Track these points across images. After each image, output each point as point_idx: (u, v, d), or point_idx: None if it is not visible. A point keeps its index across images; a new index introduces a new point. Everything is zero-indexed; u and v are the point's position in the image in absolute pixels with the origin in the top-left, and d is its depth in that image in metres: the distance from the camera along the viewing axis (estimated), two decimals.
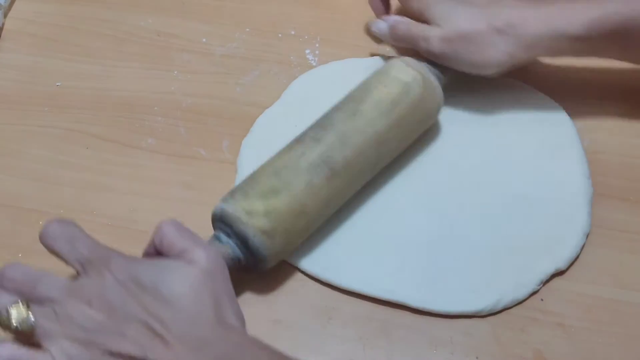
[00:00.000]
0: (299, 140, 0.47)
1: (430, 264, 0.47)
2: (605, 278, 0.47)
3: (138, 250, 0.48)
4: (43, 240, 0.40)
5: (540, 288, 0.46)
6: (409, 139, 0.51)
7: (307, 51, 0.60)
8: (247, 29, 0.62)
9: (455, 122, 0.54)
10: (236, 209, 0.43)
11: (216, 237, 0.44)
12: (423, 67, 0.51)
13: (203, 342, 0.36)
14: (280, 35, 0.62)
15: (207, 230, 0.49)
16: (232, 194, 0.45)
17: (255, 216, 0.43)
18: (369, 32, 0.60)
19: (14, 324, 0.36)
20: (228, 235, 0.44)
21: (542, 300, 0.46)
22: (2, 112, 0.57)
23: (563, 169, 0.51)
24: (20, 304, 0.37)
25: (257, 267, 0.44)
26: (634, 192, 0.51)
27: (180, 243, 0.40)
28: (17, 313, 0.36)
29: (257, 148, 0.53)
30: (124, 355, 0.36)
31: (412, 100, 0.49)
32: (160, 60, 0.60)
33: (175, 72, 0.59)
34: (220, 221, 0.44)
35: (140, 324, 0.36)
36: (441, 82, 0.51)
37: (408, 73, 0.49)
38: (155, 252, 0.41)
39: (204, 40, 0.62)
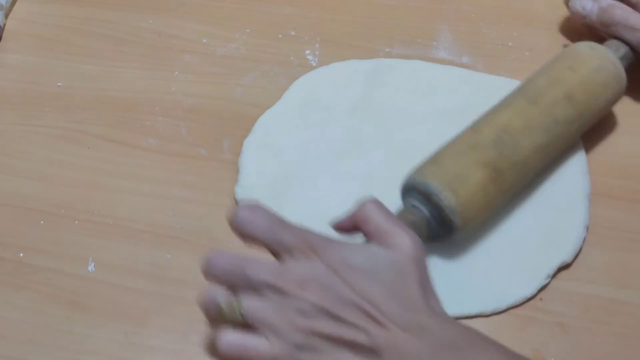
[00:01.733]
0: (487, 120, 0.48)
1: (432, 267, 0.47)
2: (604, 278, 0.47)
3: (139, 249, 0.48)
4: (240, 227, 0.38)
5: (548, 283, 0.46)
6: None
7: (307, 52, 0.61)
8: (248, 30, 0.62)
9: (452, 119, 0.54)
10: (434, 181, 0.44)
11: (412, 206, 0.45)
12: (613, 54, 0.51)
13: (423, 328, 0.35)
14: (280, 35, 0.62)
15: (207, 229, 0.49)
16: (428, 166, 0.46)
17: (451, 189, 0.44)
18: (568, 5, 0.58)
19: (232, 315, 0.36)
20: (423, 205, 0.45)
21: (541, 299, 0.46)
22: (3, 112, 0.57)
23: (561, 165, 0.52)
24: (234, 298, 0.36)
25: (440, 239, 0.45)
26: (633, 192, 0.51)
27: (386, 226, 0.38)
28: (229, 305, 0.36)
29: (259, 148, 0.53)
30: (344, 340, 0.34)
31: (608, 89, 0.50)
32: (161, 60, 0.60)
33: (176, 73, 0.59)
34: (415, 190, 0.45)
35: (355, 308, 0.35)
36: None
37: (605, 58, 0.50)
38: (352, 227, 0.40)
39: (205, 40, 0.62)
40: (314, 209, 0.49)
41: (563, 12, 0.60)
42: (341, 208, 0.49)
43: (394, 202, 0.50)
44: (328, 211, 0.49)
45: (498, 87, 0.53)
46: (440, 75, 0.57)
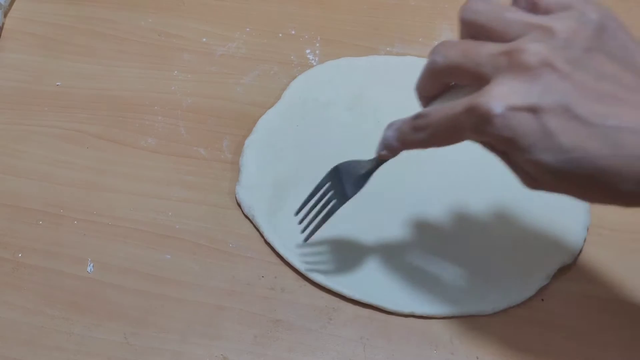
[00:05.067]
0: None
1: (433, 267, 0.47)
2: (605, 278, 0.47)
3: (138, 250, 0.48)
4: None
5: (549, 283, 0.46)
6: None
7: (308, 51, 0.60)
8: (248, 29, 0.62)
9: None
10: None
11: None
12: None
13: None
14: (280, 35, 0.62)
15: (207, 230, 0.49)
16: None
17: None
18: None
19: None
20: None
21: (542, 300, 0.46)
22: (1, 112, 0.57)
23: None
24: None
25: None
26: None
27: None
28: None
29: (260, 148, 0.53)
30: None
31: None
32: (161, 60, 0.60)
33: (176, 72, 0.59)
34: None
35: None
36: None
37: None
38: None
39: (204, 40, 0.62)
40: None
41: None
42: (343, 207, 0.49)
43: (395, 200, 0.50)
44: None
45: None
46: None
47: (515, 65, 0.32)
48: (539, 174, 0.33)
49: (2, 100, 0.57)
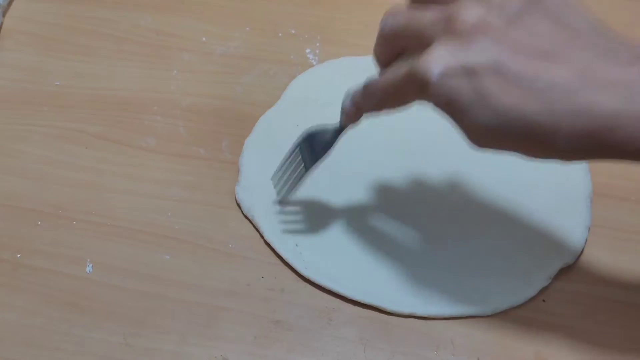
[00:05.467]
0: None
1: (433, 267, 0.47)
2: (606, 279, 0.47)
3: (137, 250, 0.48)
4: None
5: (550, 284, 0.46)
6: None
7: (308, 50, 0.60)
8: (247, 28, 0.62)
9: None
10: None
11: None
12: None
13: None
14: (280, 34, 0.62)
15: (206, 230, 0.49)
16: None
17: None
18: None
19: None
20: None
21: (543, 301, 0.46)
22: (0, 112, 0.56)
23: (562, 166, 0.51)
24: None
25: None
26: (634, 192, 0.51)
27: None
28: None
29: (260, 148, 0.53)
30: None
31: None
32: (160, 59, 0.60)
33: (175, 72, 0.59)
34: None
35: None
36: None
37: None
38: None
39: (204, 39, 0.61)
40: (316, 208, 0.49)
41: None
42: (342, 207, 0.49)
43: (395, 201, 0.50)
44: (330, 210, 0.49)
45: None
46: None
47: (452, 29, 0.33)
48: (479, 134, 0.34)
49: (1, 99, 0.57)
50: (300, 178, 0.47)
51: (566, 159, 0.34)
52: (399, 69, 0.36)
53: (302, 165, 0.46)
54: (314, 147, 0.45)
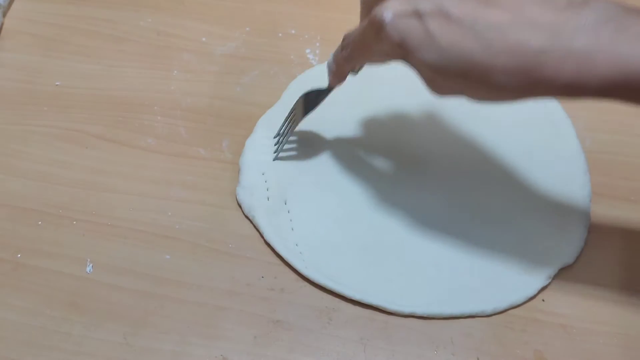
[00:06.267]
0: None
1: (433, 267, 0.47)
2: (606, 278, 0.47)
3: (138, 250, 0.48)
4: None
5: (549, 283, 0.46)
6: None
7: (308, 50, 0.60)
8: (247, 28, 0.62)
9: (453, 122, 0.54)
10: None
11: None
12: None
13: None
14: (280, 34, 0.62)
15: (206, 230, 0.49)
16: None
17: None
18: None
19: None
20: None
21: (543, 300, 0.46)
22: (1, 112, 0.56)
23: (561, 165, 0.52)
24: None
25: None
26: (634, 192, 0.51)
27: None
28: None
29: (260, 148, 0.53)
30: None
31: None
32: (160, 59, 0.60)
33: (175, 72, 0.59)
34: None
35: None
36: None
37: None
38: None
39: (204, 39, 0.61)
40: (317, 208, 0.49)
41: None
42: (343, 207, 0.49)
43: (395, 200, 0.50)
44: (330, 210, 0.49)
45: None
46: None
47: None
48: (430, 74, 0.38)
49: (1, 100, 0.57)
50: (292, 129, 0.52)
51: (508, 98, 0.37)
52: (364, 21, 0.41)
53: (296, 124, 0.51)
54: (307, 107, 0.50)
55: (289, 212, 0.49)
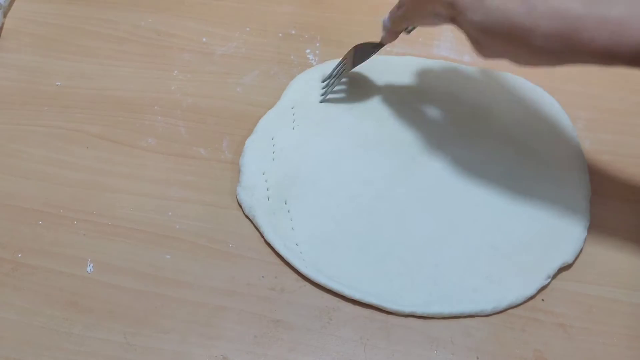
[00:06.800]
0: None
1: (433, 267, 0.47)
2: (606, 278, 0.47)
3: (138, 250, 0.48)
4: None
5: (549, 283, 0.46)
6: None
7: (308, 51, 0.60)
8: (248, 29, 0.62)
9: (453, 122, 0.54)
10: None
11: None
12: None
13: None
14: (280, 34, 0.62)
15: (206, 230, 0.49)
16: None
17: None
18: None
19: None
20: None
21: (542, 300, 0.46)
22: (1, 112, 0.57)
23: (561, 165, 0.52)
24: None
25: None
26: (633, 192, 0.51)
27: None
28: None
29: (260, 148, 0.53)
30: None
31: None
32: (160, 59, 0.60)
33: (176, 72, 0.59)
34: None
35: None
36: None
37: None
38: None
39: (204, 39, 0.62)
40: (317, 208, 0.49)
41: None
42: (343, 207, 0.49)
43: (395, 200, 0.50)
44: (330, 210, 0.49)
45: (491, 78, 0.54)
46: (434, 69, 0.58)
47: None
48: (476, 34, 0.41)
49: (1, 100, 0.57)
50: (340, 76, 0.55)
51: (547, 62, 0.39)
52: None
53: (344, 72, 0.55)
54: (356, 60, 0.54)
55: (289, 212, 0.49)
